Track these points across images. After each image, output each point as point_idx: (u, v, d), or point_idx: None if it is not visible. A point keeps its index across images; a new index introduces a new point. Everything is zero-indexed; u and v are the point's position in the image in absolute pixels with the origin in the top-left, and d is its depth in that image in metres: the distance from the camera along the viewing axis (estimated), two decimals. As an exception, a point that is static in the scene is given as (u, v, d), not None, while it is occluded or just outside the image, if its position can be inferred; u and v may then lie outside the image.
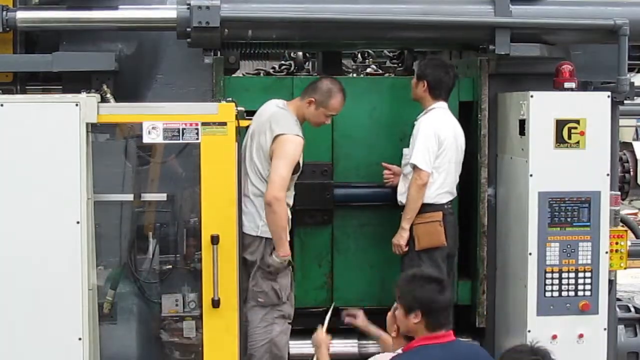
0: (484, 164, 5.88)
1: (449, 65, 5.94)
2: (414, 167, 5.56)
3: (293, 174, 5.38)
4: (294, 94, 5.76)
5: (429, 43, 6.30)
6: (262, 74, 7.83)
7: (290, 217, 5.44)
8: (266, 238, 5.38)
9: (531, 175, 5.43)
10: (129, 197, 5.27)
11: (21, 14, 5.35)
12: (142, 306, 5.36)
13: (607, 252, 5.52)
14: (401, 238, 5.64)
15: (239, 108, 5.05)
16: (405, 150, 5.74)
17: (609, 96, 5.49)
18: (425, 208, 5.60)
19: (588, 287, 5.48)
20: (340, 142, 5.95)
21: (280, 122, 5.37)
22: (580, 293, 5.48)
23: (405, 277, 4.43)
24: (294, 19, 5.48)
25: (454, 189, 5.75)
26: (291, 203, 5.50)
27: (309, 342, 5.82)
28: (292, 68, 7.61)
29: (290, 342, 5.86)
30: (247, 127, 5.40)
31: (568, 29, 5.67)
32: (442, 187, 5.65)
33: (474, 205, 5.97)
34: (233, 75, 5.96)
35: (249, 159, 5.43)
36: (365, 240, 6.02)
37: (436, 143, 5.59)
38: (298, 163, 5.38)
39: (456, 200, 5.89)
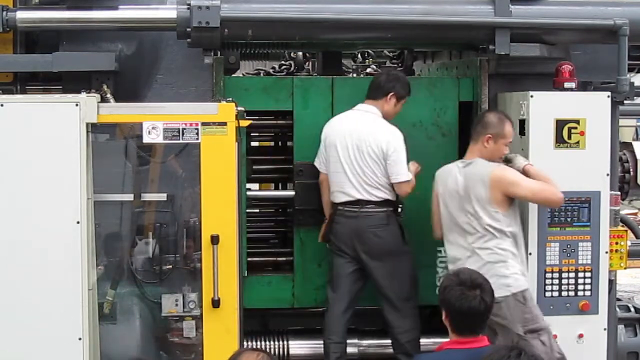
0: (484, 164, 5.87)
1: None
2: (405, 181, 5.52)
3: None
4: (294, 94, 5.76)
5: (429, 43, 6.30)
6: (262, 74, 7.82)
7: None
8: (512, 293, 5.14)
9: (531, 175, 5.43)
10: (129, 197, 5.27)
11: (21, 14, 5.35)
12: (142, 306, 5.36)
13: (607, 252, 5.52)
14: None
15: (239, 108, 5.05)
16: None
17: (609, 96, 5.50)
18: None
19: (588, 287, 5.48)
20: (340, 142, 5.93)
21: (479, 167, 5.29)
22: (580, 293, 5.48)
23: (450, 273, 4.08)
24: (294, 19, 5.47)
25: None
26: None
27: (309, 342, 5.85)
28: (292, 68, 7.60)
29: (291, 342, 5.86)
30: (246, 126, 5.36)
31: (568, 29, 5.67)
32: None
33: (474, 205, 5.96)
34: (233, 75, 5.96)
35: (466, 205, 5.25)
36: (365, 240, 6.00)
37: None
38: None
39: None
